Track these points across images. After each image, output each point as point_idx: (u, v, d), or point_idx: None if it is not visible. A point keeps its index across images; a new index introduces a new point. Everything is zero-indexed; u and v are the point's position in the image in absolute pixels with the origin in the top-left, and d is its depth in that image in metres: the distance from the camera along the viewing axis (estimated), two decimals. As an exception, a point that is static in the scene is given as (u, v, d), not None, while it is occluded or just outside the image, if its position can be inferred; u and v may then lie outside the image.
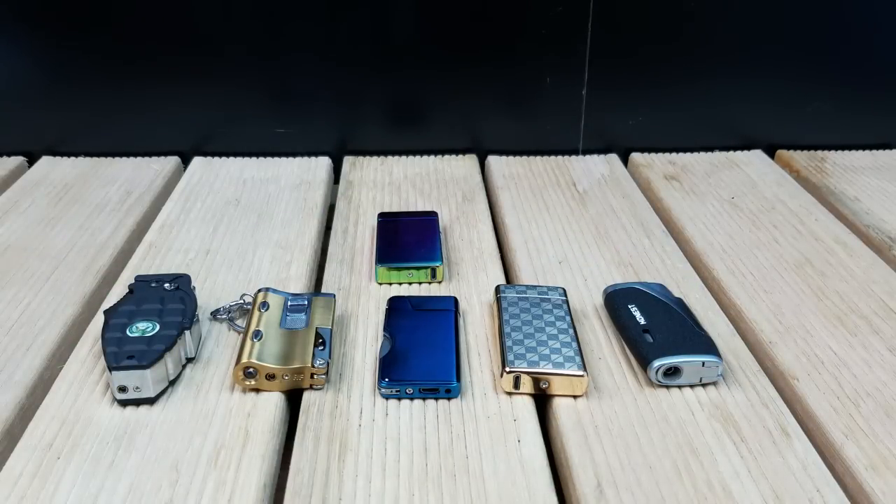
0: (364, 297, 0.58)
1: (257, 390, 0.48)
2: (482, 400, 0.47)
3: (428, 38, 0.81)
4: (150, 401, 0.47)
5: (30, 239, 0.66)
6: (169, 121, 0.84)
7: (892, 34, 0.82)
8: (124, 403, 0.46)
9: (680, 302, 0.54)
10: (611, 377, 0.50)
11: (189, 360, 0.50)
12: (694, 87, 0.84)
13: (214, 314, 0.55)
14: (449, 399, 0.47)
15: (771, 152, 0.87)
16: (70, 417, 0.46)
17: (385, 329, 0.53)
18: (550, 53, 0.81)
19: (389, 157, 0.85)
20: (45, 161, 0.83)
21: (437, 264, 0.60)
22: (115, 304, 0.51)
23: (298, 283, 0.60)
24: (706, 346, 0.49)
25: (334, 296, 0.55)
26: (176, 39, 0.80)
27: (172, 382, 0.48)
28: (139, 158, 0.84)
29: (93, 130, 0.84)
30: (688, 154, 0.86)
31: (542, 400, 0.48)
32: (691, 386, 0.48)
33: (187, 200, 0.74)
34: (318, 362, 0.48)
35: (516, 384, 0.48)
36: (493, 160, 0.84)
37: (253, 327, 0.50)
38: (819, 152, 0.86)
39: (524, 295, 0.55)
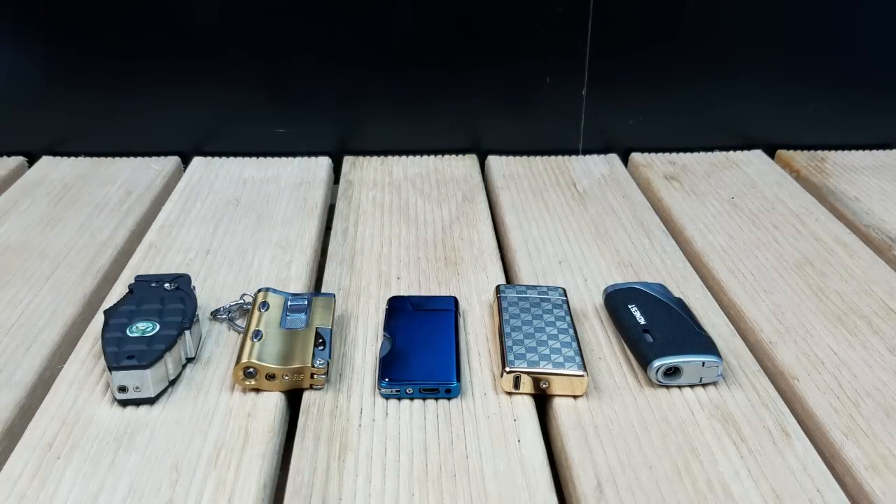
0: (364, 297, 0.58)
1: (257, 390, 0.48)
2: (482, 400, 0.47)
3: (428, 38, 0.81)
4: (150, 401, 0.47)
5: (30, 239, 0.66)
6: (169, 121, 0.84)
7: (892, 34, 0.82)
8: (124, 403, 0.46)
9: (680, 302, 0.54)
10: (611, 377, 0.50)
11: (189, 360, 0.50)
12: (694, 87, 0.84)
13: (214, 314, 0.55)
14: (449, 399, 0.47)
15: (771, 152, 0.87)
16: (70, 417, 0.46)
17: (385, 329, 0.52)
18: (550, 53, 0.81)
19: (389, 157, 0.85)
20: (45, 161, 0.83)
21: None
22: (115, 304, 0.51)
23: (298, 283, 0.60)
24: (706, 346, 0.49)
25: (334, 296, 0.55)
26: (176, 39, 0.80)
27: (172, 382, 0.48)
28: (139, 158, 0.84)
29: (93, 130, 0.84)
30: (688, 154, 0.86)
31: (542, 400, 0.48)
32: (691, 386, 0.48)
33: (187, 200, 0.74)
34: (318, 362, 0.48)
35: (516, 384, 0.48)
36: (493, 160, 0.84)
37: (253, 327, 0.50)
38: (819, 152, 0.86)
39: (524, 295, 0.55)
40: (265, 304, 0.53)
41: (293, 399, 0.48)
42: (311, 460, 0.43)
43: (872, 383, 0.49)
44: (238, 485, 0.41)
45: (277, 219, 0.70)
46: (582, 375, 0.47)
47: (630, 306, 0.53)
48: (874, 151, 0.87)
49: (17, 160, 0.83)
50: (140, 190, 0.76)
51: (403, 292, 0.59)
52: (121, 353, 0.46)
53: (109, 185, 0.77)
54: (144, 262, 0.63)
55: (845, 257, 0.64)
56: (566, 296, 0.55)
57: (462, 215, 0.72)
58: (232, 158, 0.84)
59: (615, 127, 0.86)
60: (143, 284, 0.53)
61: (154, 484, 0.41)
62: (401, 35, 0.81)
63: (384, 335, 0.52)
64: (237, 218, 0.70)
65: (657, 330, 0.51)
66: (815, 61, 0.83)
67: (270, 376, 0.47)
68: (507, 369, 0.48)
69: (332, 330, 0.51)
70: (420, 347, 0.51)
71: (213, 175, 0.80)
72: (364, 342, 0.53)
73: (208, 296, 0.58)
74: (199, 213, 0.71)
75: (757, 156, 0.86)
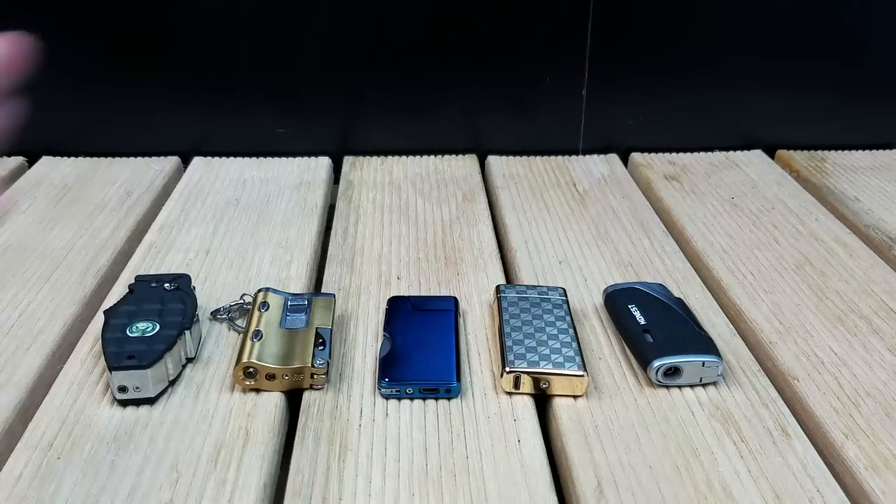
0: (364, 297, 0.58)
1: (257, 390, 0.48)
2: (482, 400, 0.47)
3: (428, 38, 0.81)
4: (150, 401, 0.47)
5: (30, 239, 0.66)
6: (169, 121, 0.84)
7: (892, 34, 0.82)
8: (124, 403, 0.46)
9: (680, 302, 0.54)
10: (611, 377, 0.50)
11: (189, 360, 0.50)
12: (694, 87, 0.84)
13: (214, 314, 0.55)
14: (449, 399, 0.47)
15: (771, 152, 0.87)
16: (70, 417, 0.46)
17: (385, 329, 0.53)
18: (550, 53, 0.81)
19: (389, 157, 0.85)
20: (45, 161, 0.83)
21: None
22: (115, 304, 0.51)
23: (298, 283, 0.60)
24: (706, 346, 0.49)
25: (334, 296, 0.55)
26: (176, 39, 0.80)
27: (172, 382, 0.48)
28: (139, 158, 0.84)
29: (93, 130, 0.84)
30: (688, 154, 0.86)
31: (542, 400, 0.48)
32: (691, 386, 0.48)
33: (187, 200, 0.74)
34: (318, 362, 0.48)
35: (516, 384, 0.48)
36: (493, 160, 0.84)
37: (253, 327, 0.50)
38: (819, 152, 0.86)
39: (524, 295, 0.55)
40: (265, 304, 0.53)
41: (293, 399, 0.48)
42: (311, 460, 0.43)
43: (872, 383, 0.49)
44: (238, 485, 0.41)
45: (277, 219, 0.70)
46: (582, 375, 0.47)
47: (630, 306, 0.53)
48: (874, 151, 0.87)
49: (17, 160, 0.83)
50: (140, 190, 0.76)
51: (403, 292, 0.59)
52: (121, 354, 0.46)
53: (109, 185, 0.77)
54: (144, 263, 0.63)
55: (845, 257, 0.64)
56: (566, 296, 0.55)
57: (462, 215, 0.72)
58: (232, 158, 0.84)
59: (615, 127, 0.86)
60: (143, 284, 0.53)
61: (154, 484, 0.41)
62: (401, 35, 0.81)
63: (384, 335, 0.52)
64: (237, 218, 0.70)
65: (657, 330, 0.51)
66: (816, 61, 0.83)
67: (270, 376, 0.47)
68: (507, 369, 0.48)
69: (332, 330, 0.51)
70: (420, 347, 0.51)
71: (213, 175, 0.80)
72: (364, 342, 0.53)
73: (208, 296, 0.58)
74: (199, 214, 0.71)
75: (757, 156, 0.86)
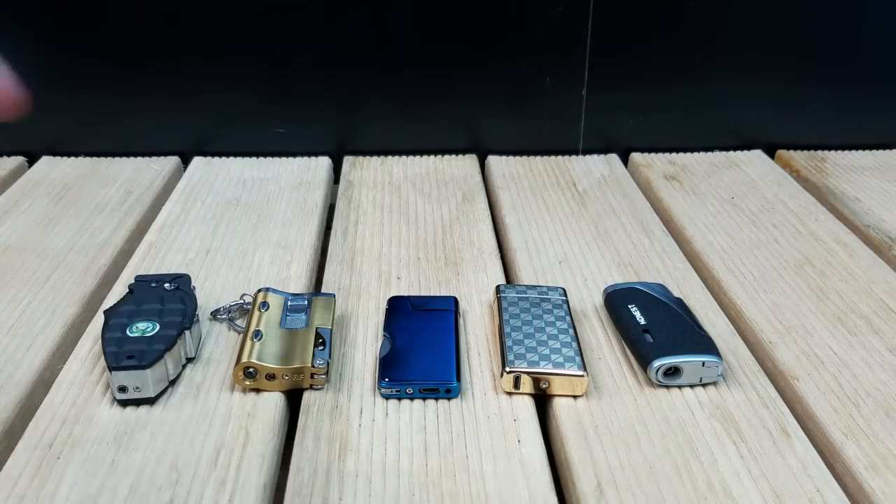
0: (364, 297, 0.58)
1: (257, 390, 0.48)
2: (482, 400, 0.47)
3: (428, 38, 0.81)
4: (150, 401, 0.47)
5: (30, 239, 0.66)
6: (169, 121, 0.84)
7: (892, 34, 0.82)
8: (124, 403, 0.46)
9: (680, 302, 0.54)
10: (611, 377, 0.50)
11: (189, 360, 0.50)
12: (694, 87, 0.84)
13: (214, 314, 0.55)
14: (449, 399, 0.47)
15: (771, 152, 0.87)
16: (70, 417, 0.46)
17: (385, 329, 0.53)
18: (550, 53, 0.81)
19: (389, 157, 0.85)
20: (45, 161, 0.83)
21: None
22: (115, 304, 0.51)
23: (298, 283, 0.60)
24: (706, 346, 0.49)
25: (334, 296, 0.55)
26: (176, 39, 0.80)
27: (172, 382, 0.48)
28: (139, 158, 0.84)
29: (93, 130, 0.84)
30: (688, 154, 0.86)
31: (542, 400, 0.48)
32: (691, 386, 0.48)
33: (187, 200, 0.74)
34: (318, 362, 0.48)
35: (516, 384, 0.48)
36: (493, 160, 0.84)
37: (253, 327, 0.50)
38: (819, 152, 0.86)
39: (524, 295, 0.55)
40: (265, 304, 0.53)
41: (293, 399, 0.48)
42: (311, 460, 0.43)
43: (872, 383, 0.49)
44: (238, 485, 0.41)
45: (277, 219, 0.70)
46: (582, 375, 0.47)
47: (630, 306, 0.53)
48: (874, 151, 0.87)
49: (17, 160, 0.83)
50: (140, 190, 0.76)
51: (403, 292, 0.59)
52: (121, 353, 0.46)
53: (109, 185, 0.77)
54: (144, 262, 0.63)
55: (845, 257, 0.64)
56: (566, 296, 0.55)
57: (462, 215, 0.72)
58: (232, 158, 0.84)
59: (615, 127, 0.86)
60: (143, 284, 0.53)
61: (154, 484, 0.41)
62: (400, 35, 0.81)
63: (384, 335, 0.52)
64: (237, 218, 0.70)
65: (657, 330, 0.51)
66: (815, 61, 0.83)
67: (270, 376, 0.47)
68: (507, 369, 0.48)
69: (332, 330, 0.51)
70: (420, 347, 0.51)
71: (213, 175, 0.80)
72: (364, 342, 0.53)
73: (208, 296, 0.58)
74: (199, 213, 0.71)
75: (757, 156, 0.86)
